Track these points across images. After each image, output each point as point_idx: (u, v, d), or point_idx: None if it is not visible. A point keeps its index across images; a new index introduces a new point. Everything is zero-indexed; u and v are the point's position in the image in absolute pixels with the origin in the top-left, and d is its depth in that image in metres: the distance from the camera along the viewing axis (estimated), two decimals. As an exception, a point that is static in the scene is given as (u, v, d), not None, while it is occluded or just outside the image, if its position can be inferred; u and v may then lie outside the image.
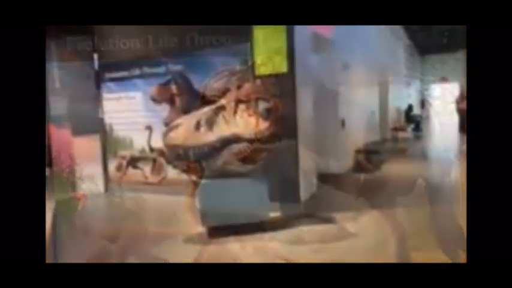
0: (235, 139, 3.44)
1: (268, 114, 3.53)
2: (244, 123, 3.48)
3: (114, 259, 3.32)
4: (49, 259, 3.38)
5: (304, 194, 4.29)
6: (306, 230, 3.75)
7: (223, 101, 3.66)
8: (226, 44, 4.82)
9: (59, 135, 8.20)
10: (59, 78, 8.25)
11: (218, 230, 3.66)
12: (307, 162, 4.44)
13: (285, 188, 4.24)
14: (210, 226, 3.68)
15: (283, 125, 3.89)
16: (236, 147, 3.44)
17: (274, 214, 4.09)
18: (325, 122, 5.98)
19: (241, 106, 3.58)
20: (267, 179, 3.63)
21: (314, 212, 4.34)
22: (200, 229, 3.74)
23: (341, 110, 6.03)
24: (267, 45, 4.14)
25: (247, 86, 3.74)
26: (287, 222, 3.97)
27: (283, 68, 4.06)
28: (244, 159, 3.49)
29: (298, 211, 4.20)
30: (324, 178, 5.93)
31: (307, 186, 4.40)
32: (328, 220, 4.07)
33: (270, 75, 4.14)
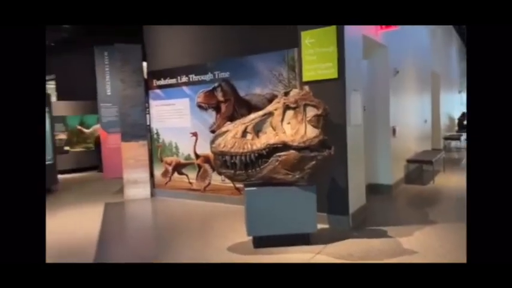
0: (283, 146, 3.32)
1: (317, 121, 3.39)
2: (293, 130, 3.36)
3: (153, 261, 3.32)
4: (96, 257, 3.46)
5: (353, 206, 4.07)
6: (355, 245, 3.54)
7: (270, 108, 3.56)
8: (273, 50, 4.75)
9: (109, 140, 8.59)
10: (110, 85, 8.68)
11: (264, 240, 3.55)
12: (357, 172, 4.22)
13: (333, 199, 4.05)
14: (255, 236, 3.58)
15: (333, 133, 3.72)
16: (284, 155, 3.32)
17: (321, 226, 3.92)
18: (375, 130, 5.71)
19: (289, 113, 3.46)
20: (315, 189, 3.47)
21: (364, 225, 4.11)
22: (246, 238, 3.65)
23: (392, 117, 5.71)
24: (316, 50, 4.00)
25: (295, 92, 3.62)
26: (335, 236, 3.77)
27: (332, 73, 3.90)
28: (292, 168, 3.36)
29: (347, 224, 3.98)
30: (375, 189, 5.64)
31: (356, 197, 4.17)
32: (380, 234, 3.82)
33: (318, 81, 4.00)
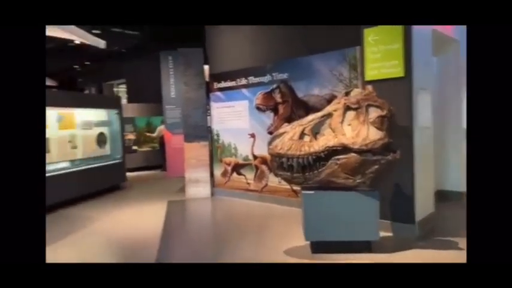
0: (343, 149, 3.18)
1: (380, 123, 3.19)
2: (354, 132, 3.20)
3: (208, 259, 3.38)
4: (158, 252, 3.61)
5: (420, 214, 3.77)
6: (421, 256, 3.27)
7: (329, 109, 3.44)
8: (333, 49, 4.60)
9: (173, 141, 9.01)
10: (174, 88, 9.10)
11: (322, 245, 3.43)
12: (425, 177, 3.90)
13: (397, 206, 3.79)
14: (313, 240, 3.48)
15: (398, 135, 3.48)
16: (343, 158, 3.18)
17: (384, 234, 3.69)
18: (445, 132, 5.26)
19: (350, 114, 3.30)
20: (378, 194, 3.27)
21: (431, 235, 3.79)
22: (303, 242, 3.56)
23: (465, 118, 5.22)
24: (380, 48, 3.78)
25: (356, 92, 3.46)
26: (400, 245, 3.53)
27: (398, 71, 3.65)
28: (353, 172, 3.20)
29: (413, 233, 3.70)
30: (444, 196, 5.20)
31: (423, 204, 3.86)
32: (449, 245, 3.49)
33: (382, 80, 3.77)
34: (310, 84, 4.92)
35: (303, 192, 3.43)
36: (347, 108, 3.32)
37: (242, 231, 4.40)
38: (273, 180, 5.40)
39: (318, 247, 3.45)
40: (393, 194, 3.81)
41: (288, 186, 5.15)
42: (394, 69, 3.69)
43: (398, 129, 3.57)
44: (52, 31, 4.93)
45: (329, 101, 4.31)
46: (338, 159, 3.20)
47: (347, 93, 3.49)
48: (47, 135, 6.11)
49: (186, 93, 6.36)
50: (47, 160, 6.06)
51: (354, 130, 3.21)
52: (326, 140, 3.26)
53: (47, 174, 5.76)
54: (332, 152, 3.22)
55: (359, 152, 3.14)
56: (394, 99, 3.53)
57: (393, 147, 3.23)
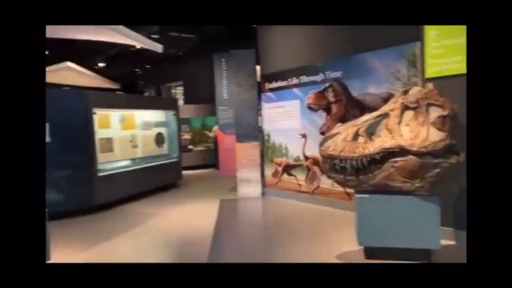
0: (400, 151, 3.01)
1: (442, 123, 2.97)
2: (412, 133, 3.01)
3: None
4: (210, 249, 3.69)
5: (487, 222, 3.45)
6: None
7: (386, 108, 3.27)
8: (390, 45, 4.37)
9: (226, 141, 9.20)
10: (227, 89, 9.28)
11: (377, 251, 3.28)
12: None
13: (460, 213, 3.51)
14: (367, 246, 3.34)
15: (461, 137, 3.21)
16: (401, 161, 3.00)
17: (446, 242, 3.43)
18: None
19: (409, 114, 3.11)
20: (438, 200, 3.04)
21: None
22: (356, 247, 3.43)
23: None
24: (442, 43, 3.52)
25: (415, 91, 3.25)
26: (463, 255, 3.25)
27: (463, 68, 3.37)
28: (411, 175, 3.01)
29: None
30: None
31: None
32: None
33: (445, 77, 3.51)
34: (366, 83, 4.73)
35: (357, 195, 3.31)
36: (405, 107, 3.14)
37: (293, 233, 4.36)
38: (325, 182, 5.28)
39: (372, 253, 3.31)
40: (456, 200, 3.53)
41: (341, 189, 5.00)
42: (457, 65, 3.42)
43: (462, 130, 3.28)
44: (113, 37, 5.26)
45: (386, 100, 4.11)
46: (395, 161, 3.04)
47: (405, 92, 3.30)
48: (111, 135, 6.56)
49: (239, 94, 6.45)
50: (111, 158, 6.52)
51: (413, 131, 3.02)
52: (382, 141, 3.11)
53: (111, 172, 6.20)
54: (388, 154, 3.06)
55: (418, 154, 2.95)
56: (458, 97, 3.26)
57: (457, 149, 2.98)
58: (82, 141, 5.65)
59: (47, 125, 5.23)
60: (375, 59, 4.58)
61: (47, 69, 9.26)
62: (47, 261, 3.36)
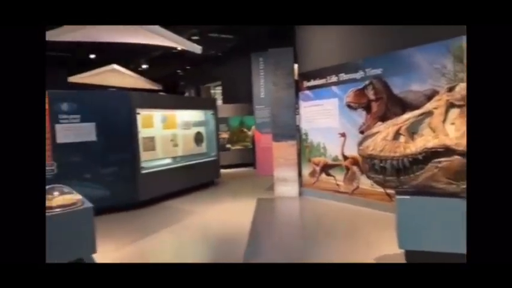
0: (445, 151, 2.85)
1: (492, 121, 2.78)
2: (458, 132, 2.85)
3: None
4: (248, 248, 3.72)
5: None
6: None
7: (429, 106, 3.12)
8: (434, 40, 4.16)
9: (263, 140, 9.23)
10: (264, 88, 9.30)
11: (418, 255, 3.14)
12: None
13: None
14: (408, 249, 3.21)
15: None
16: (445, 161, 2.85)
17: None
18: None
19: (454, 112, 2.95)
20: (488, 203, 2.86)
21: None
22: (397, 250, 3.31)
23: None
24: (493, 35, 3.29)
25: (462, 87, 3.07)
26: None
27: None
28: (456, 177, 2.85)
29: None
30: None
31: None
32: None
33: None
34: (408, 80, 4.54)
35: (398, 197, 3.18)
36: (450, 105, 2.97)
37: (330, 234, 4.29)
38: (365, 182, 5.14)
39: (413, 256, 3.17)
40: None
41: (382, 190, 4.85)
42: None
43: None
44: (154, 39, 5.46)
45: (429, 97, 3.92)
46: (439, 162, 2.89)
47: (450, 89, 3.12)
48: (153, 134, 6.82)
49: (275, 92, 6.44)
50: (153, 156, 6.78)
51: (458, 130, 2.85)
52: (425, 140, 2.97)
53: (153, 169, 6.44)
54: (432, 154, 2.92)
55: (464, 154, 2.79)
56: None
57: (509, 149, 2.78)
58: (126, 140, 5.91)
59: (93, 125, 5.54)
60: (418, 54, 4.39)
61: (94, 71, 9.81)
62: (94, 254, 3.57)
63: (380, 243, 3.72)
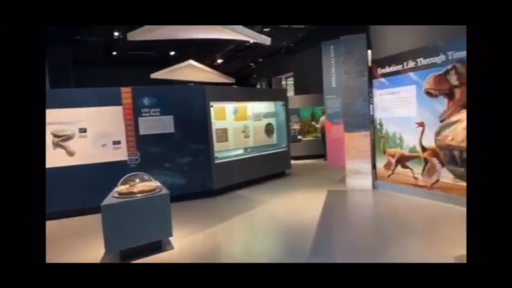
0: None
1: None
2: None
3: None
4: (315, 240, 3.69)
5: None
6: None
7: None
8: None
9: (333, 131, 8.99)
10: (335, 77, 9.02)
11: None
12: None
13: None
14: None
15: None
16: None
17: None
18: None
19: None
20: None
21: None
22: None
23: None
24: None
25: None
26: None
27: None
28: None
29: None
30: None
31: None
32: None
33: None
34: (499, 61, 4.02)
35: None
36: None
37: (406, 229, 4.04)
38: (446, 176, 4.70)
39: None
40: None
41: (465, 184, 4.40)
42: None
43: None
44: (225, 34, 5.62)
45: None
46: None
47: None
48: (226, 126, 7.08)
49: (347, 81, 6.20)
50: (226, 147, 7.05)
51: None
52: None
53: (226, 160, 6.71)
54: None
55: None
56: None
57: None
58: (201, 131, 6.24)
59: (172, 117, 5.94)
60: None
61: (173, 67, 10.47)
62: (170, 237, 3.85)
63: (462, 243, 3.38)
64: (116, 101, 5.65)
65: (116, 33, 10.65)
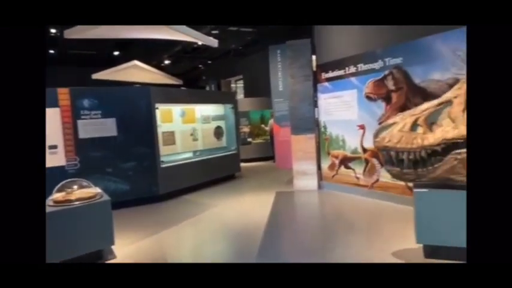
0: (464, 142, 2.73)
1: (517, 110, 2.62)
2: (479, 122, 2.71)
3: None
4: (263, 242, 3.72)
5: None
6: None
7: (449, 95, 2.99)
8: (457, 26, 3.96)
9: (281, 133, 9.16)
10: (282, 81, 9.20)
11: (437, 251, 3.04)
12: None
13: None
14: (426, 244, 3.11)
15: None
16: (465, 153, 2.72)
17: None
18: None
19: (476, 100, 2.80)
20: None
21: None
22: (416, 245, 3.21)
23: None
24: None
25: (485, 75, 2.91)
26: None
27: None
28: (477, 169, 2.72)
29: None
30: None
31: None
32: None
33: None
34: (429, 69, 4.36)
35: (415, 190, 3.08)
36: (471, 94, 2.83)
37: (349, 227, 4.22)
38: (385, 176, 5.00)
39: (432, 252, 3.07)
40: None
41: (402, 182, 4.71)
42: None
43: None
44: (172, 35, 5.49)
45: (452, 86, 3.74)
46: (458, 153, 2.77)
47: (472, 77, 2.97)
48: (173, 128, 6.91)
49: (293, 85, 6.36)
50: (173, 151, 6.88)
51: (480, 120, 2.72)
52: (444, 131, 2.85)
53: (173, 163, 6.53)
54: (451, 146, 2.80)
55: (486, 145, 2.65)
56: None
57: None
58: (146, 134, 6.02)
59: (114, 120, 5.67)
60: (440, 42, 4.20)
61: (116, 68, 10.03)
62: (112, 246, 3.66)
63: (400, 238, 3.61)
64: (51, 102, 5.26)
65: (53, 30, 9.95)
